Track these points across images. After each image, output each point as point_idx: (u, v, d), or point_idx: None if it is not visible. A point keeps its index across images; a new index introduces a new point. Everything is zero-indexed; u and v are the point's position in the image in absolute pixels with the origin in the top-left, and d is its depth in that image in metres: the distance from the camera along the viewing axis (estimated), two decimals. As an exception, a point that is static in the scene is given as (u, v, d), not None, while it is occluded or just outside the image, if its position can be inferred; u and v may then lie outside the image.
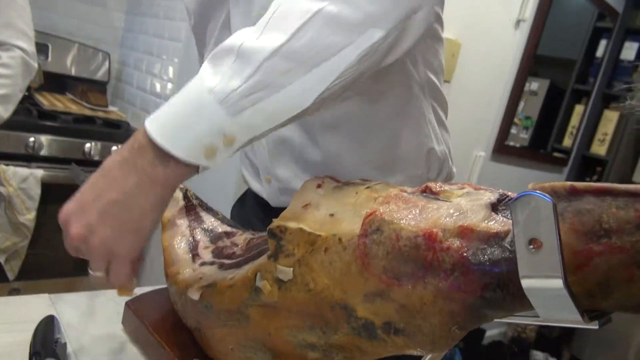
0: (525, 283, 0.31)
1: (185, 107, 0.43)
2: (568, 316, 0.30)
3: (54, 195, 1.69)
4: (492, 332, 2.90)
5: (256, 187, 0.81)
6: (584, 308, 0.31)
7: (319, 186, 0.46)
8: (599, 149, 2.98)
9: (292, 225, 0.43)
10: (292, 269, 0.43)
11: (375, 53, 0.46)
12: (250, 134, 0.44)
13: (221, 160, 0.44)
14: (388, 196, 0.40)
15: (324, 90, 0.45)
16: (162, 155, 0.43)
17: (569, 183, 0.32)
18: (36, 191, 1.59)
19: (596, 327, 0.32)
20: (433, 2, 0.48)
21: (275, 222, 0.45)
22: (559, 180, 0.35)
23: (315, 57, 0.44)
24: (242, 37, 0.44)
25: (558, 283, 0.29)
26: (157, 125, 0.43)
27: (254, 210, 0.83)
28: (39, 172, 1.61)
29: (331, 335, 0.42)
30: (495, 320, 0.36)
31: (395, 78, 0.67)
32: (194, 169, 0.44)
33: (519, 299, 0.32)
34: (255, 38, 0.44)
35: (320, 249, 0.41)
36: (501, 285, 0.33)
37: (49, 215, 1.73)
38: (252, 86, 0.43)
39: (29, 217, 1.58)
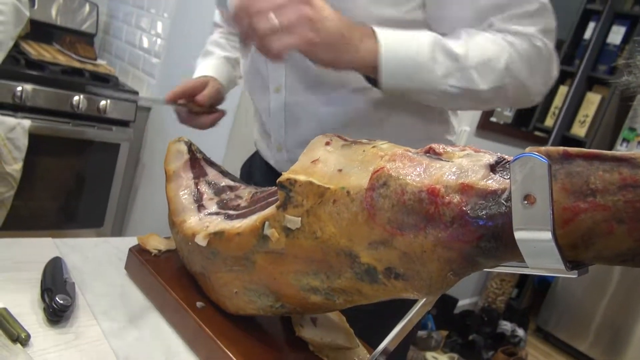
0: (517, 234, 0.34)
1: (416, 60, 0.59)
2: (553, 265, 0.34)
3: (40, 146, 1.67)
4: (464, 301, 3.01)
5: (265, 151, 0.83)
6: (567, 259, 0.35)
7: (327, 144, 0.49)
8: (579, 130, 3.06)
9: (302, 178, 0.46)
10: (300, 218, 0.46)
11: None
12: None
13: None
14: (394, 154, 0.43)
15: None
16: (370, 60, 0.58)
17: (562, 148, 0.35)
18: (23, 142, 1.58)
19: (575, 275, 0.36)
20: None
21: (285, 175, 0.48)
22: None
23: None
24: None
25: (547, 235, 0.33)
26: (390, 52, 0.58)
27: (262, 171, 0.87)
28: (27, 123, 1.59)
29: (334, 280, 0.45)
30: (476, 275, 0.40)
31: None
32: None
33: (510, 249, 0.36)
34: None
35: (329, 200, 0.44)
36: (495, 236, 0.36)
37: (35, 167, 1.72)
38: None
39: (15, 167, 1.57)
